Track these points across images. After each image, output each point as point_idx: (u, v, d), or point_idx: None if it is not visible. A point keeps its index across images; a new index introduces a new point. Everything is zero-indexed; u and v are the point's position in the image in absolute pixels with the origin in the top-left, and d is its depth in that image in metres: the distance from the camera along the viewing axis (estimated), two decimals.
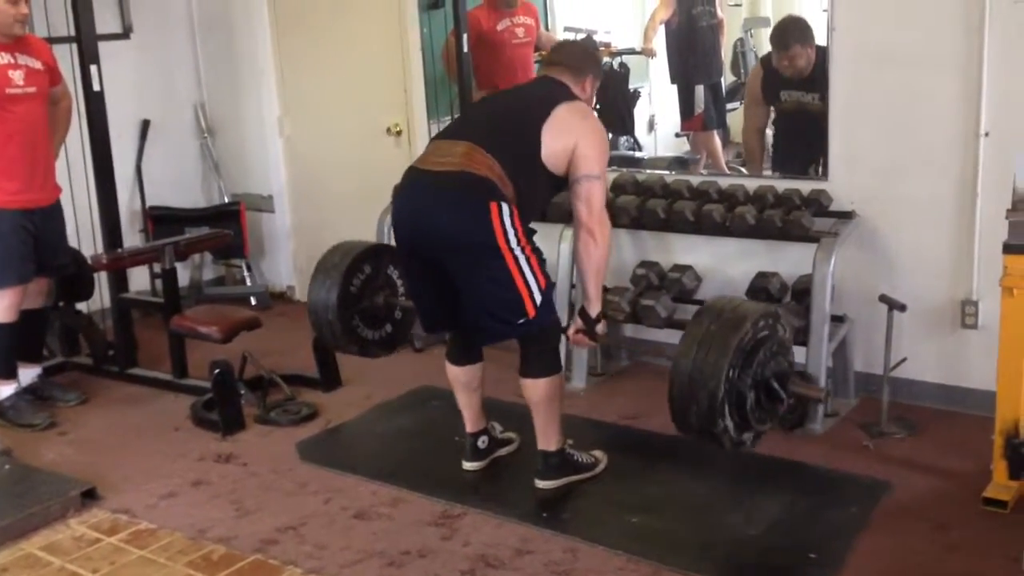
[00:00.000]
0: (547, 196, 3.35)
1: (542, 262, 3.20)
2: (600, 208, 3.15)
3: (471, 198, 3.05)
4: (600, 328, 3.32)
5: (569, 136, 3.11)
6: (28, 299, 4.24)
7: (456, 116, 3.40)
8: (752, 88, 4.69)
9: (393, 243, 4.65)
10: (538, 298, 3.13)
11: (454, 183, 3.06)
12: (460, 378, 3.50)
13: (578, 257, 3.22)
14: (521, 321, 3.15)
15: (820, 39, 4.21)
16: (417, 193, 3.16)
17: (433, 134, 5.05)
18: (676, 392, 2.84)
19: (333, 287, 3.66)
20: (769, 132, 4.77)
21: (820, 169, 4.04)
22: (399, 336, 3.92)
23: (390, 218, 3.34)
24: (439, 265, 3.17)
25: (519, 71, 5.26)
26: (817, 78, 4.17)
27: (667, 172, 4.68)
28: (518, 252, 3.07)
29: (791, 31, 4.45)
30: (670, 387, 2.86)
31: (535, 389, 3.29)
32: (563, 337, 3.44)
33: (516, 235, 3.07)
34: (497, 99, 3.38)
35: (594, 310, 3.27)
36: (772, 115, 4.61)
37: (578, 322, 3.31)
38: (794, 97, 4.36)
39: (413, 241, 3.20)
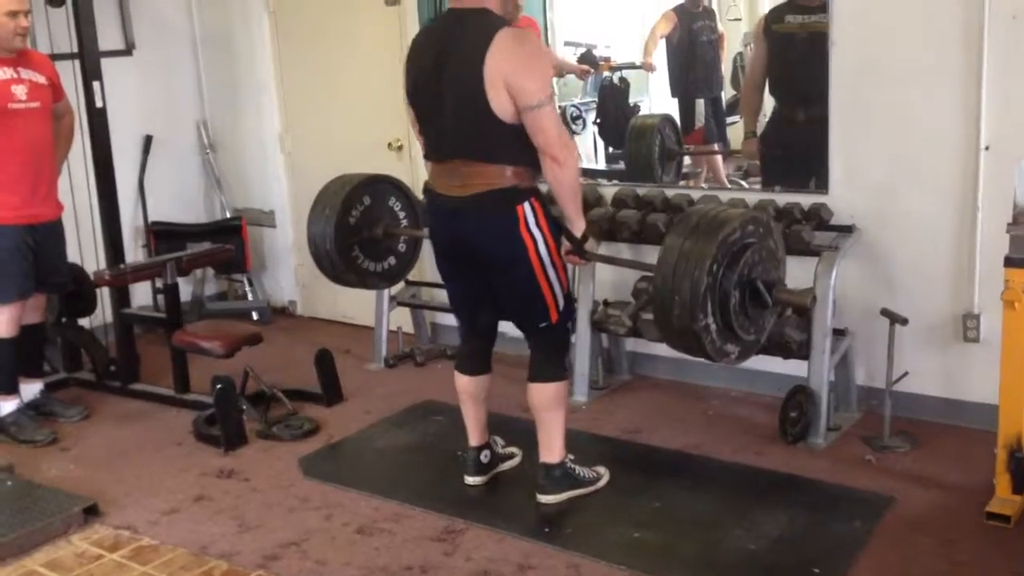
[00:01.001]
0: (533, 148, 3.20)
1: (565, 265, 3.26)
2: (555, 132, 3.02)
3: (496, 215, 3.12)
4: (589, 245, 3.30)
5: (501, 84, 2.96)
6: (26, 314, 4.25)
7: (412, 104, 3.23)
8: (756, 30, 4.69)
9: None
10: (561, 304, 3.25)
11: (476, 205, 3.12)
12: (469, 388, 3.51)
13: (550, 185, 3.12)
14: (543, 325, 3.26)
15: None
16: (445, 214, 3.24)
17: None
18: (659, 284, 2.80)
19: (331, 216, 3.63)
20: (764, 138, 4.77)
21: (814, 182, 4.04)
22: (402, 269, 3.89)
23: (428, 232, 3.42)
24: (475, 271, 3.27)
25: None
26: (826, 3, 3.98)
27: (667, 186, 4.68)
28: (547, 262, 3.17)
29: None
30: (653, 283, 2.84)
31: (542, 393, 3.31)
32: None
33: (544, 239, 3.15)
34: (435, 75, 3.11)
35: (578, 229, 3.20)
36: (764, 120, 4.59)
37: (566, 244, 3.26)
38: (798, 20, 4.30)
39: (452, 247, 3.30)
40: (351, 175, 3.84)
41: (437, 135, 3.21)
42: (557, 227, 3.22)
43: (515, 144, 3.06)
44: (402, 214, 3.87)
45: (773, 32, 4.49)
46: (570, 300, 3.36)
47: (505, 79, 2.96)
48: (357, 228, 3.69)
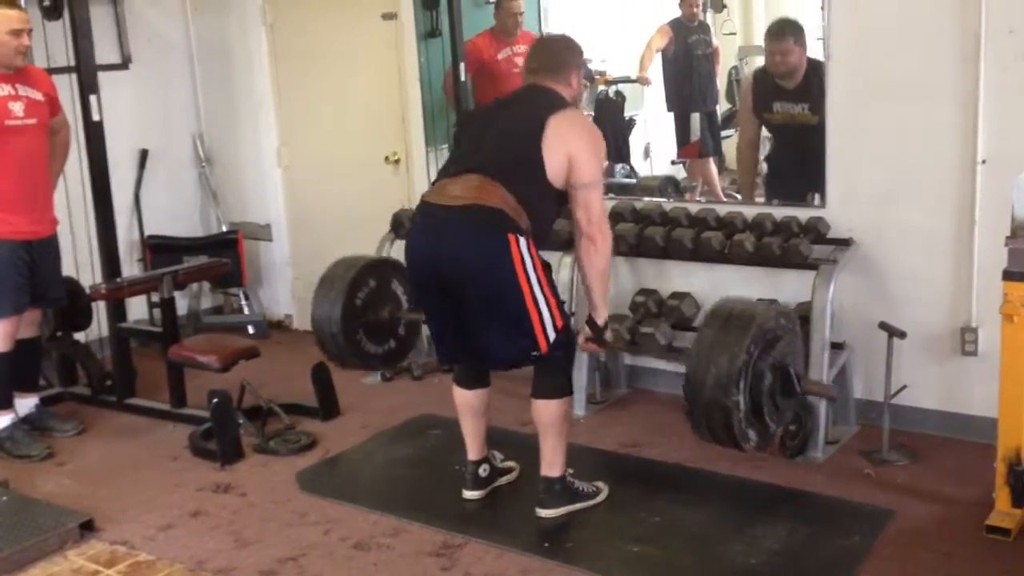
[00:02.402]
0: (556, 212, 3.34)
1: (560, 303, 3.22)
2: (599, 214, 3.17)
3: (489, 231, 3.08)
4: (608, 335, 3.35)
5: (564, 147, 3.11)
6: (21, 329, 4.23)
7: (455, 144, 3.39)
8: (744, 100, 4.72)
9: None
10: (552, 336, 3.16)
11: (471, 216, 3.08)
12: (468, 402, 3.50)
13: (580, 265, 3.25)
14: (534, 354, 3.19)
15: (812, 52, 4.25)
16: (433, 226, 3.18)
17: (431, 162, 5.15)
18: (695, 357, 2.86)
19: (337, 299, 3.66)
20: (762, 158, 4.79)
21: (817, 197, 4.05)
22: (402, 351, 3.91)
23: (404, 253, 3.34)
24: (455, 298, 3.18)
25: None
26: (807, 90, 4.19)
27: (664, 200, 4.69)
28: (536, 288, 3.11)
29: (786, 25, 4.48)
30: (688, 357, 2.89)
31: (546, 410, 3.30)
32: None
33: (534, 267, 3.10)
34: (490, 119, 3.35)
35: (600, 317, 3.30)
36: (766, 136, 4.62)
37: (586, 330, 3.33)
38: (785, 108, 4.37)
39: (430, 275, 3.21)
40: (356, 257, 3.88)
41: (466, 154, 3.25)
42: (548, 267, 3.22)
43: (539, 197, 3.12)
44: (404, 298, 3.90)
45: (765, 119, 4.53)
46: (567, 333, 3.26)
47: (569, 149, 3.11)
48: (362, 310, 3.73)
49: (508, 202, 3.07)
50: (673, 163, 5.90)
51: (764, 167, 4.78)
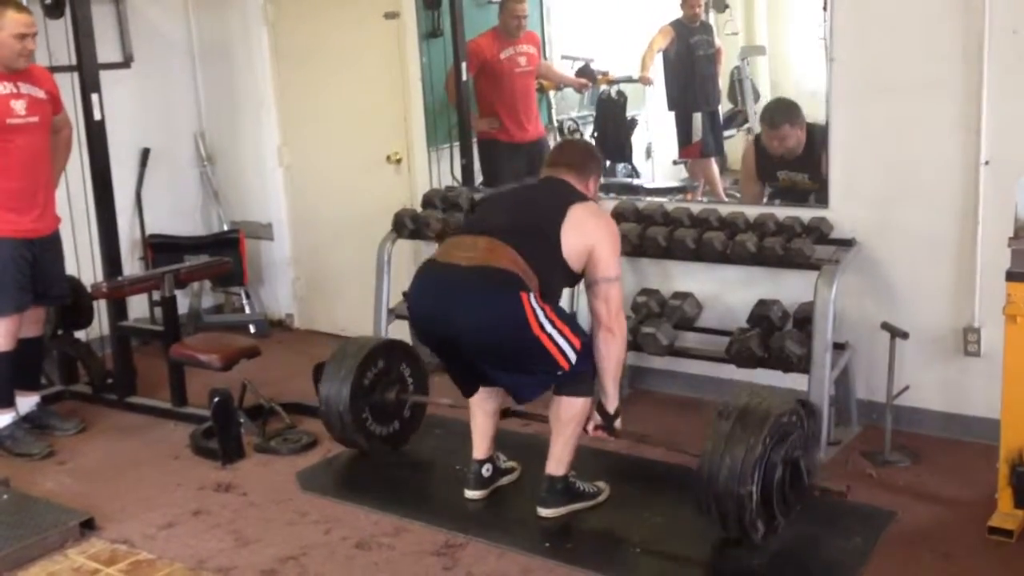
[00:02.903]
0: (564, 284, 3.37)
1: (575, 327, 3.24)
2: (618, 307, 3.24)
3: (500, 291, 3.09)
4: (618, 423, 3.39)
5: (587, 237, 3.18)
6: (25, 328, 4.23)
7: (470, 213, 3.48)
8: (747, 166, 4.75)
9: (392, 274, 4.74)
10: (572, 357, 3.19)
11: (481, 277, 3.11)
12: (479, 399, 3.51)
13: (598, 354, 3.27)
14: (560, 373, 3.22)
15: (811, 118, 4.30)
16: (443, 286, 3.20)
17: (432, 162, 5.15)
18: (710, 449, 2.93)
19: (347, 377, 3.70)
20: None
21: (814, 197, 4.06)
22: (406, 434, 3.96)
23: (408, 307, 3.40)
24: (467, 355, 3.22)
25: (521, 99, 5.31)
26: (808, 158, 4.27)
27: (667, 200, 4.69)
28: (549, 329, 3.13)
29: (781, 112, 4.55)
30: (703, 451, 2.95)
31: (569, 407, 3.31)
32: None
33: (545, 314, 3.12)
34: (509, 197, 3.49)
35: (612, 405, 3.34)
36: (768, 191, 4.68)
37: (596, 418, 3.37)
38: (788, 176, 4.44)
39: (440, 334, 3.23)
40: (367, 338, 3.91)
41: (481, 220, 3.35)
42: (561, 310, 3.25)
43: (551, 267, 3.15)
44: (411, 380, 3.91)
45: (770, 183, 4.58)
46: (587, 349, 3.25)
47: (591, 241, 3.18)
48: (370, 390, 3.75)
49: (519, 264, 3.09)
50: (675, 163, 5.90)
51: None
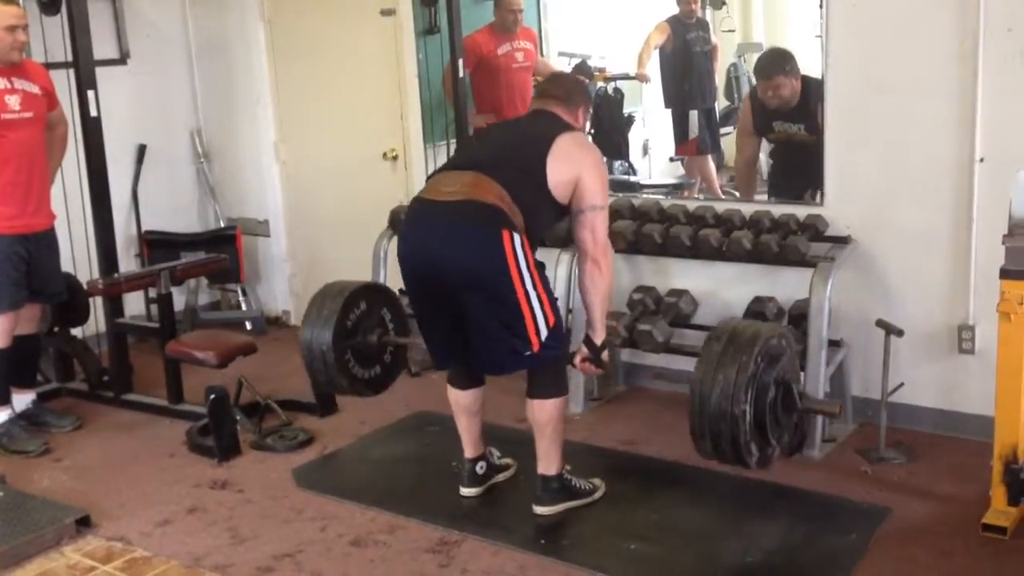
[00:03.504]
0: (551, 221, 3.37)
1: (552, 300, 3.21)
2: (604, 237, 3.22)
3: (482, 227, 3.07)
4: (605, 356, 3.36)
5: (573, 167, 3.16)
6: (21, 325, 4.23)
7: (455, 149, 3.44)
8: (743, 121, 4.74)
9: (389, 270, 4.73)
10: (544, 334, 3.15)
11: (464, 212, 3.08)
12: (462, 401, 3.49)
13: (583, 286, 3.26)
14: (527, 354, 3.18)
15: (806, 69, 4.28)
16: (426, 223, 3.17)
17: (429, 159, 5.15)
18: (703, 368, 2.91)
19: (329, 319, 3.65)
20: (764, 157, 4.80)
21: (816, 195, 4.05)
22: (388, 378, 3.91)
23: (396, 249, 3.33)
24: (449, 299, 3.17)
25: (518, 95, 5.30)
26: (803, 109, 4.24)
27: (663, 197, 4.69)
28: (528, 285, 3.10)
29: (774, 61, 4.53)
30: (696, 369, 2.93)
31: (542, 410, 3.30)
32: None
33: (527, 264, 3.09)
34: (496, 132, 3.48)
35: (599, 338, 3.31)
36: (766, 146, 4.65)
37: (583, 351, 3.34)
38: (784, 128, 4.42)
39: (423, 273, 3.19)
40: (347, 282, 3.85)
41: (467, 154, 3.33)
42: (542, 266, 3.23)
43: (536, 201, 3.14)
44: (391, 324, 3.89)
45: (766, 136, 4.57)
46: (559, 330, 3.26)
47: (578, 170, 3.15)
48: (352, 332, 3.72)
49: (503, 199, 3.07)
50: (671, 160, 5.90)
51: (764, 165, 4.79)
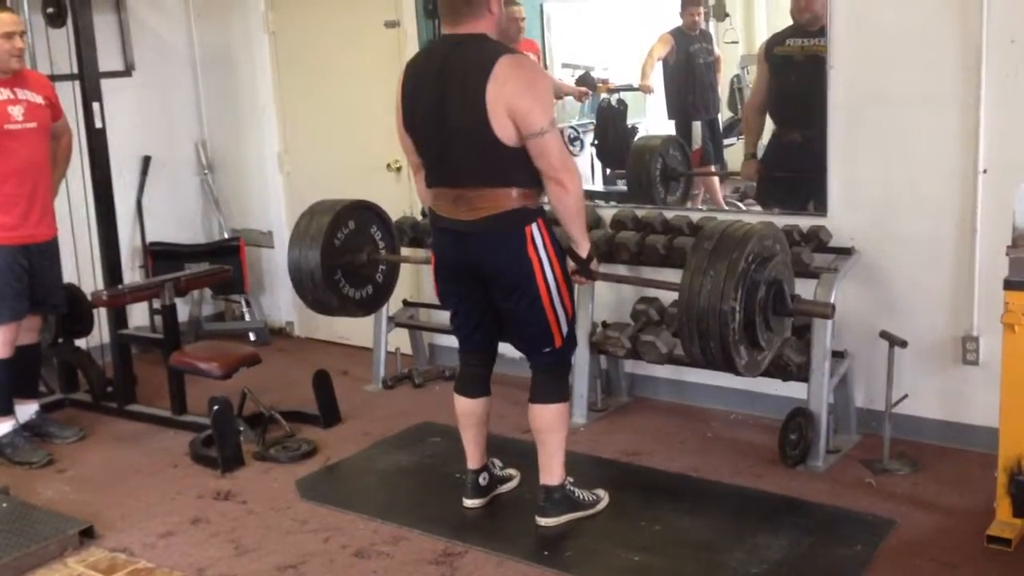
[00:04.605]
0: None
1: (571, 290, 3.27)
2: (559, 156, 3.03)
3: (504, 236, 3.13)
4: (595, 264, 3.32)
5: (504, 111, 2.97)
6: (21, 335, 4.23)
7: (408, 127, 3.22)
8: (759, 53, 4.71)
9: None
10: (565, 329, 3.25)
11: (482, 228, 3.13)
12: (469, 411, 3.49)
13: (554, 208, 3.15)
14: (547, 350, 3.25)
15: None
16: (450, 239, 3.24)
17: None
18: (693, 264, 2.85)
19: (317, 237, 3.55)
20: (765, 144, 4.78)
21: (815, 204, 4.05)
22: (379, 298, 3.82)
23: (432, 252, 3.39)
24: (479, 286, 3.26)
25: None
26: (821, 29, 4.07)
27: (666, 208, 4.69)
28: (552, 285, 3.17)
29: None
30: (686, 265, 2.88)
31: (543, 415, 3.31)
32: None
33: (550, 262, 3.17)
34: (435, 105, 3.11)
35: (583, 250, 3.23)
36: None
37: (572, 264, 3.28)
38: (798, 43, 4.33)
39: (458, 272, 3.28)
40: (335, 200, 3.78)
41: (439, 163, 3.22)
42: (562, 251, 3.23)
43: (520, 167, 3.07)
44: (382, 243, 3.84)
45: (774, 54, 4.52)
46: (572, 326, 3.34)
47: (508, 107, 2.97)
48: (341, 251, 3.64)
49: (509, 197, 3.10)
50: None
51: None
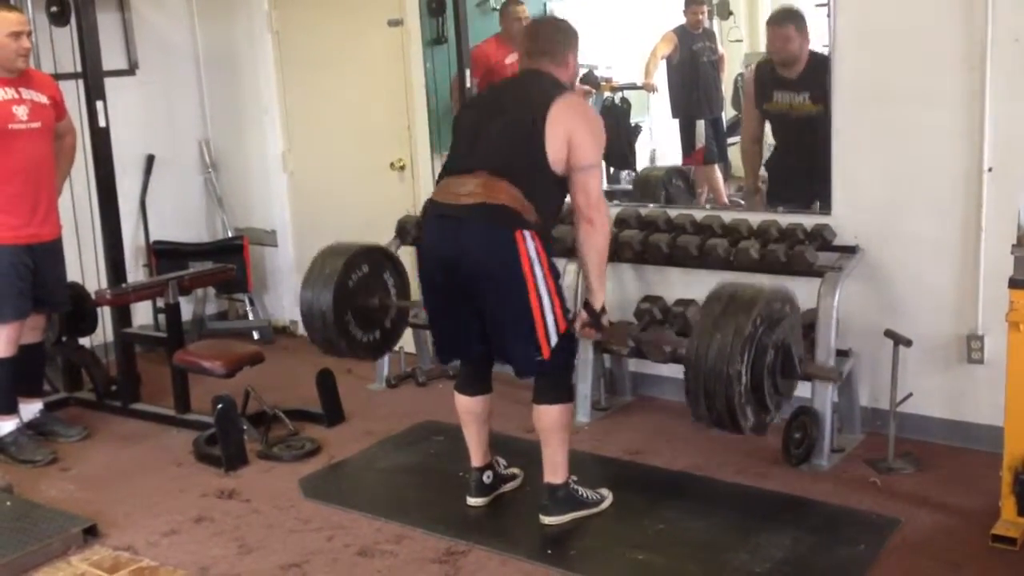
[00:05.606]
0: (561, 199, 3.31)
1: (564, 306, 3.23)
2: (598, 196, 3.17)
3: (496, 229, 3.10)
4: (605, 320, 3.34)
5: (563, 131, 3.11)
6: (25, 334, 4.23)
7: (455, 134, 3.36)
8: (748, 91, 4.73)
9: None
10: (553, 340, 3.17)
11: (478, 214, 3.10)
12: (470, 409, 3.49)
13: (579, 247, 3.24)
14: (537, 359, 3.20)
15: (815, 45, 4.26)
16: (445, 226, 3.20)
17: (437, 168, 5.14)
18: (701, 325, 2.87)
19: (332, 277, 3.58)
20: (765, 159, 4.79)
21: (822, 203, 4.04)
22: (387, 343, 3.85)
23: (416, 248, 3.37)
24: (465, 293, 3.21)
25: None
26: (808, 79, 4.20)
27: (670, 206, 4.68)
28: (542, 288, 3.12)
29: (787, 13, 4.50)
30: (695, 327, 2.91)
31: (547, 416, 3.30)
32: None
33: (542, 268, 3.12)
34: (490, 109, 3.32)
35: (598, 302, 3.28)
36: (768, 144, 4.63)
37: (583, 315, 3.32)
38: (787, 98, 4.38)
39: (441, 271, 3.23)
40: (348, 243, 3.83)
41: (470, 150, 3.24)
42: (555, 267, 3.22)
43: (545, 188, 3.13)
44: (393, 290, 3.86)
45: (765, 110, 4.55)
46: (570, 339, 3.29)
47: (568, 132, 3.10)
48: (353, 294, 3.67)
49: (516, 198, 3.09)
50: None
51: (765, 175, 4.78)
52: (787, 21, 4.39)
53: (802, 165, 4.33)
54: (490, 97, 3.53)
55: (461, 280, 3.18)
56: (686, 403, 2.97)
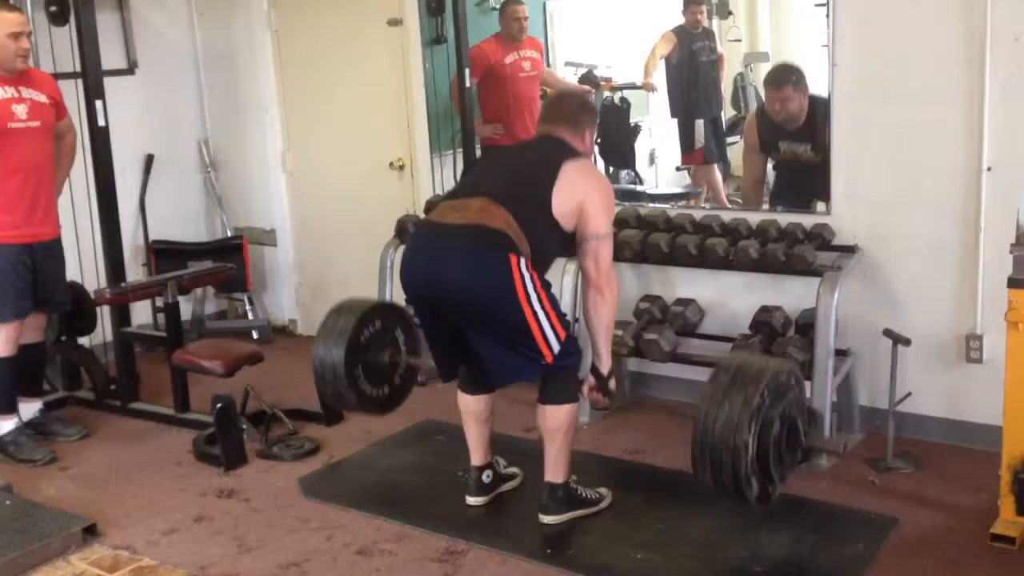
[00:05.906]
0: (557, 251, 3.37)
1: (561, 316, 3.23)
2: (608, 266, 3.22)
3: (490, 250, 3.08)
4: (612, 385, 3.37)
5: (577, 195, 3.15)
6: (26, 333, 4.23)
7: (461, 173, 3.44)
8: (749, 138, 4.73)
9: (395, 279, 4.71)
10: (556, 348, 3.16)
11: (472, 236, 3.09)
12: (471, 407, 3.49)
13: (587, 315, 3.27)
14: (542, 363, 3.19)
15: (814, 86, 4.26)
16: (434, 246, 3.19)
17: (436, 168, 5.16)
18: (708, 394, 2.87)
19: (343, 333, 3.64)
20: (769, 169, 4.80)
21: (822, 204, 4.05)
22: (394, 400, 3.89)
23: (400, 268, 3.34)
24: (454, 319, 3.20)
25: (525, 104, 5.31)
26: (810, 128, 4.24)
27: (670, 206, 4.69)
28: (536, 305, 3.10)
29: (784, 73, 4.52)
30: (701, 395, 2.90)
31: (554, 416, 3.30)
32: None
33: (534, 285, 3.10)
34: (503, 156, 3.44)
35: (605, 367, 3.31)
36: (771, 163, 4.65)
37: (591, 380, 3.35)
38: (791, 148, 4.41)
39: (428, 295, 3.21)
40: (364, 299, 3.85)
41: (473, 185, 3.29)
42: (548, 285, 3.22)
43: (543, 230, 3.14)
44: (404, 347, 3.88)
45: (772, 156, 4.56)
46: (572, 343, 3.28)
47: (582, 198, 3.15)
48: (364, 348, 3.71)
49: (511, 225, 3.08)
50: (678, 169, 5.90)
51: (770, 175, 4.79)
52: (785, 83, 4.41)
53: (806, 194, 4.35)
54: (502, 151, 3.62)
55: (450, 304, 3.15)
56: (692, 470, 2.98)
